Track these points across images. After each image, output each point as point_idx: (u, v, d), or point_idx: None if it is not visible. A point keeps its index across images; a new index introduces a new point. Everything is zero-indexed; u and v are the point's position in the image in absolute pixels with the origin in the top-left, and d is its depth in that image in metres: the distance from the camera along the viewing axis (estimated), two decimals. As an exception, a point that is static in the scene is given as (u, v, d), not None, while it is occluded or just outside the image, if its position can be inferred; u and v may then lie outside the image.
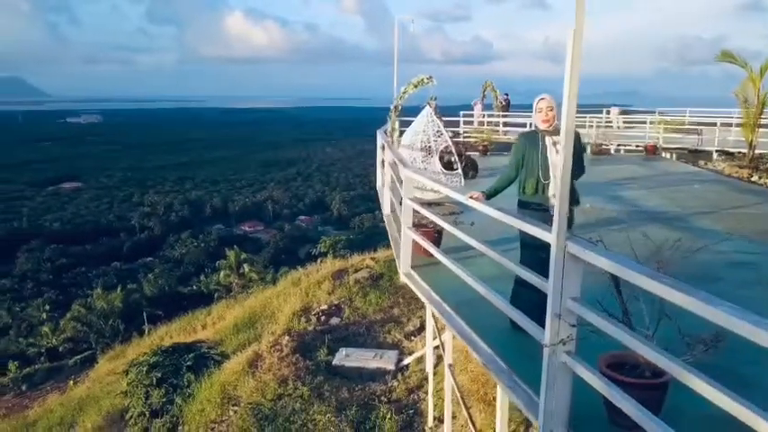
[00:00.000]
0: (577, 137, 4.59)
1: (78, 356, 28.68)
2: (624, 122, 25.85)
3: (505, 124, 24.40)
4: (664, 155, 20.34)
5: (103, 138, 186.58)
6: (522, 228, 3.83)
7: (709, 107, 24.10)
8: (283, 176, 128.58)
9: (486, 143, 17.93)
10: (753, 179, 13.97)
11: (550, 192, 4.57)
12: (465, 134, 22.41)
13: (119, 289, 38.20)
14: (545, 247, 3.37)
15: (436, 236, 6.18)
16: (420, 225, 6.28)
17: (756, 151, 16.46)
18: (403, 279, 6.27)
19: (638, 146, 20.97)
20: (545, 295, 3.32)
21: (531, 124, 5.81)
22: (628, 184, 13.55)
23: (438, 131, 8.01)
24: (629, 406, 2.77)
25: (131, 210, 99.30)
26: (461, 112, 24.31)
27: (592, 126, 22.48)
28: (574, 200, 4.60)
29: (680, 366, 2.50)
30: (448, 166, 8.17)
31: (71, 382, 20.87)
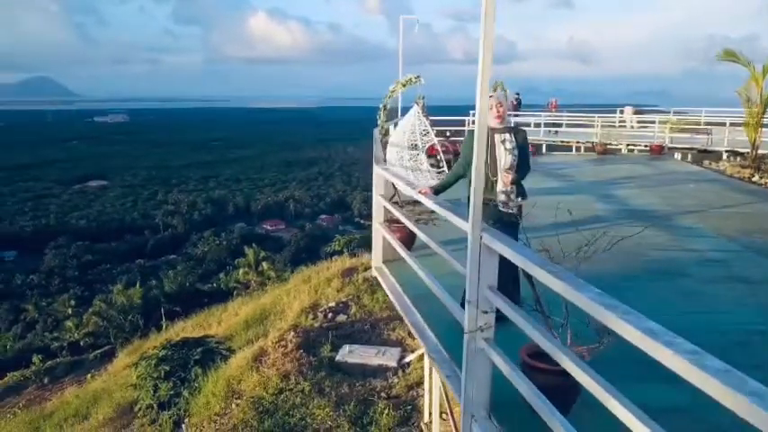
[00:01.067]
0: (524, 137, 4.81)
1: (98, 351, 29.07)
2: (638, 122, 25.67)
3: (516, 123, 24.40)
4: (675, 155, 20.22)
5: (129, 137, 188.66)
6: (445, 216, 4.01)
7: (734, 107, 23.76)
8: (305, 176, 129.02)
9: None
10: (753, 179, 13.84)
11: (499, 188, 4.72)
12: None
13: (137, 285, 38.78)
14: None
15: (409, 232, 6.35)
16: (393, 221, 6.46)
17: (759, 151, 16.29)
18: (374, 273, 6.47)
19: (646, 145, 20.87)
20: None
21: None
22: (625, 183, 13.54)
23: (425, 131, 8.17)
24: (529, 392, 2.91)
25: (155, 208, 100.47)
26: (471, 112, 24.46)
27: (598, 126, 22.37)
28: (521, 194, 4.82)
29: (567, 357, 2.62)
30: (435, 165, 8.34)
31: (89, 375, 21.29)
